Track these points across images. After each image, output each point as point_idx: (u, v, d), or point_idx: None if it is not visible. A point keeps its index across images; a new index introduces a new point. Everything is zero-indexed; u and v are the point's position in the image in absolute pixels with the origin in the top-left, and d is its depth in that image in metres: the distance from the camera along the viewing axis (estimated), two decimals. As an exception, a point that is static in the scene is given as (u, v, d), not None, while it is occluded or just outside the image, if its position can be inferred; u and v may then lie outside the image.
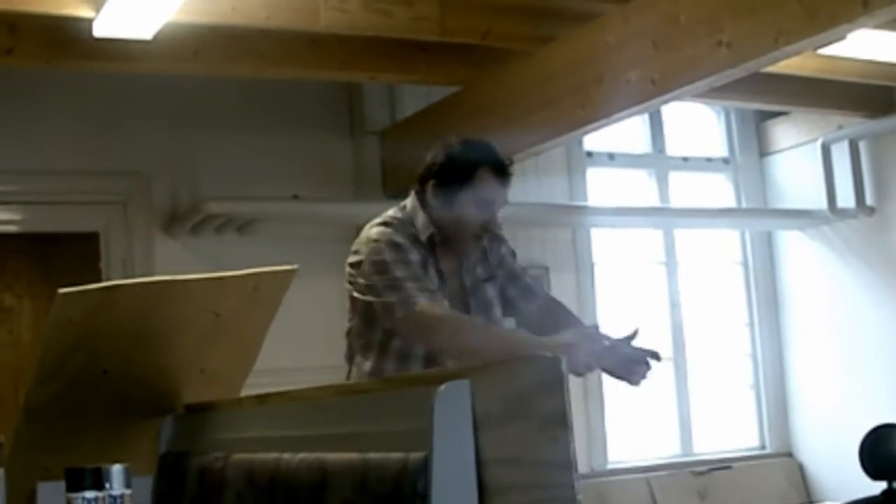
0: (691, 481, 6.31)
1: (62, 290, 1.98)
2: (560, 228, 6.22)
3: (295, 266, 2.25)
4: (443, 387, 1.36)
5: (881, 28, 4.42)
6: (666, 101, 4.52)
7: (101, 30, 4.02)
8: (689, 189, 6.74)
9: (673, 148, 6.75)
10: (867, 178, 6.26)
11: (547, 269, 6.14)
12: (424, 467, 1.36)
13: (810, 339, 6.59)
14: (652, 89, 4.23)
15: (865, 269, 6.28)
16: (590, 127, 4.73)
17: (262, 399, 2.02)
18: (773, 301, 6.77)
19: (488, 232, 3.00)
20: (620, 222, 6.38)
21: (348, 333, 3.01)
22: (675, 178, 6.72)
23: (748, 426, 6.75)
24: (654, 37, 4.19)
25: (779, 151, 6.75)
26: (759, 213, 6.76)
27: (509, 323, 3.18)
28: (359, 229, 3.11)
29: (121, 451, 2.01)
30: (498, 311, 3.06)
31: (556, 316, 3.10)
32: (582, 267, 6.30)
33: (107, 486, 1.61)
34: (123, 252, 5.30)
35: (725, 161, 6.89)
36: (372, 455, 1.50)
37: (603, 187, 6.47)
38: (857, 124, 6.18)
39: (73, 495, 1.60)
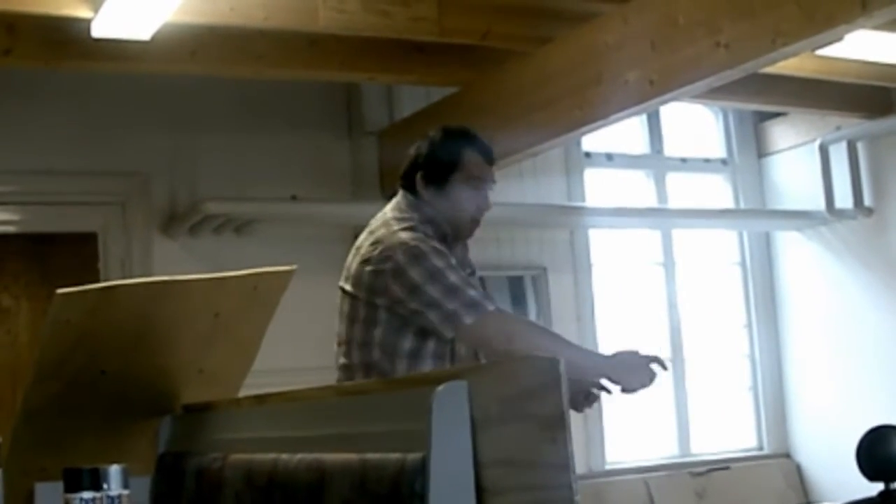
0: (689, 482, 6.31)
1: (60, 291, 1.98)
2: (558, 229, 6.22)
3: (293, 266, 2.25)
4: (441, 387, 1.37)
5: (879, 29, 4.42)
6: (664, 102, 4.52)
7: (99, 30, 4.02)
8: (688, 190, 6.74)
9: (671, 149, 6.75)
10: (865, 179, 6.26)
11: (545, 269, 6.15)
12: (422, 468, 1.36)
13: (808, 339, 6.59)
14: (650, 90, 4.23)
15: (863, 270, 6.29)
16: (588, 127, 4.73)
17: (260, 399, 2.02)
18: (770, 302, 6.77)
19: (479, 222, 2.98)
20: (618, 223, 6.38)
21: (349, 341, 2.90)
22: (674, 178, 6.72)
23: (746, 427, 6.76)
24: (652, 37, 4.19)
25: (777, 152, 6.76)
26: (757, 213, 6.76)
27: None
28: (357, 230, 3.09)
29: (119, 452, 2.00)
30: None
31: None
32: (580, 267, 6.30)
33: (104, 486, 1.61)
34: (122, 252, 5.30)
35: (723, 162, 6.89)
36: (370, 455, 1.50)
37: (601, 188, 6.48)
38: (855, 125, 6.18)
39: (71, 496, 1.60)
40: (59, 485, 1.63)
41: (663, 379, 2.95)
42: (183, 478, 2.09)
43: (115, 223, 5.34)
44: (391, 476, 1.42)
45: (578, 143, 6.27)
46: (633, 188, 6.62)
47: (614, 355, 2.78)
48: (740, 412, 6.77)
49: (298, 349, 4.85)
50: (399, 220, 2.91)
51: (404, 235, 2.84)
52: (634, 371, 2.75)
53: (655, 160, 6.70)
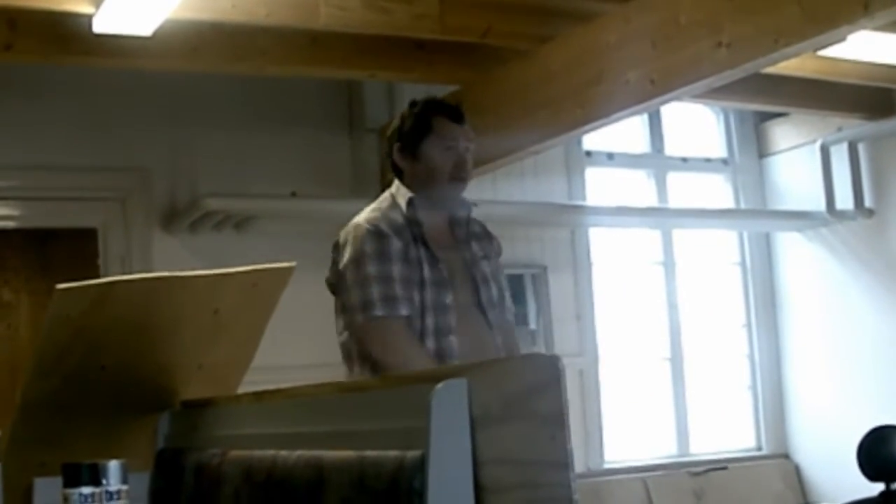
0: (688, 482, 6.31)
1: (60, 286, 1.98)
2: (558, 228, 6.22)
3: (293, 263, 2.25)
4: (440, 385, 1.36)
5: (881, 30, 4.42)
6: (665, 102, 4.53)
7: (100, 26, 4.02)
8: (688, 189, 6.74)
9: (672, 148, 6.75)
10: (866, 180, 6.26)
11: (545, 268, 6.15)
12: (421, 465, 1.36)
13: (808, 340, 6.59)
14: (651, 89, 4.23)
15: (863, 271, 6.29)
16: (589, 126, 4.73)
17: (259, 396, 2.02)
18: (770, 302, 6.77)
19: (463, 179, 3.05)
20: (619, 222, 6.38)
21: (338, 333, 3.02)
22: (674, 178, 6.73)
23: (745, 427, 6.76)
24: (653, 37, 4.19)
25: (778, 153, 6.76)
26: (758, 214, 6.76)
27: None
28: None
29: (118, 447, 2.00)
30: (494, 289, 3.09)
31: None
32: (580, 267, 6.30)
33: (103, 481, 1.61)
34: (122, 248, 5.30)
35: (724, 162, 6.89)
36: (369, 453, 1.50)
37: (601, 187, 6.48)
38: (856, 126, 6.18)
39: (70, 491, 1.60)
40: (58, 480, 1.63)
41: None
42: (182, 474, 2.09)
43: (115, 219, 5.35)
44: (390, 473, 1.42)
45: (579, 142, 6.27)
46: (634, 187, 6.62)
47: None
48: (739, 412, 6.77)
49: (298, 346, 4.85)
50: (372, 207, 3.04)
51: (358, 219, 2.99)
52: None
53: (656, 160, 6.70)
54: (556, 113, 4.70)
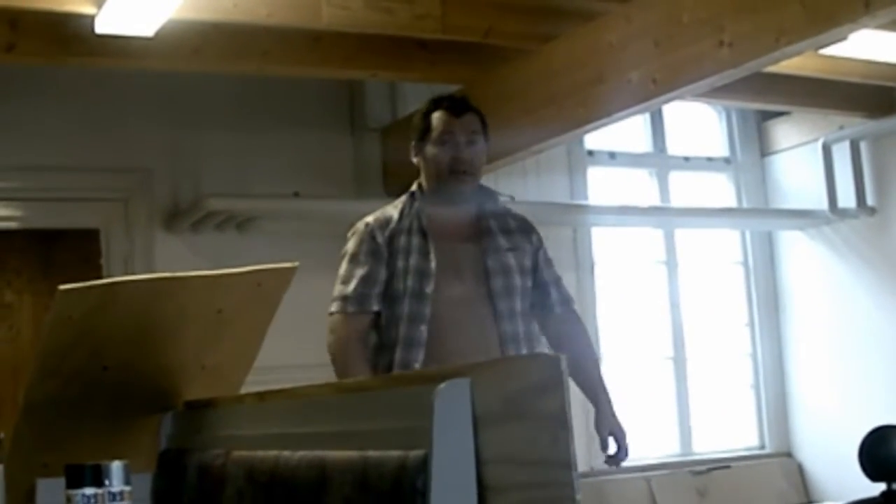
0: (690, 481, 6.31)
1: (62, 287, 1.98)
2: (560, 227, 6.21)
3: (296, 263, 2.25)
4: (443, 385, 1.36)
5: (883, 28, 4.42)
6: (667, 101, 4.52)
7: (102, 26, 4.02)
8: (690, 188, 6.74)
9: (674, 147, 6.75)
10: (868, 178, 6.26)
11: (547, 267, 6.14)
12: (424, 465, 1.36)
13: (810, 339, 6.59)
14: (653, 88, 4.23)
15: (866, 270, 6.28)
16: (591, 126, 4.73)
17: (262, 396, 2.02)
18: (773, 301, 6.77)
19: (463, 173, 3.13)
20: (621, 221, 6.38)
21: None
22: (676, 177, 6.72)
23: (747, 426, 6.76)
24: (655, 36, 4.19)
25: (780, 151, 6.75)
26: (760, 213, 6.76)
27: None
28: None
29: (120, 448, 2.00)
30: (518, 278, 3.17)
31: (564, 344, 3.24)
32: (582, 266, 6.30)
33: (106, 482, 1.61)
34: (124, 249, 5.30)
35: (726, 161, 6.89)
36: (372, 453, 1.50)
37: (604, 186, 6.47)
38: (858, 125, 6.18)
39: (73, 492, 1.60)
40: (61, 481, 1.63)
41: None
42: (185, 474, 2.09)
43: (117, 219, 5.35)
44: (393, 473, 1.42)
45: (581, 142, 6.27)
46: (636, 187, 6.61)
47: None
48: (742, 411, 6.76)
49: (301, 346, 4.84)
50: (393, 204, 3.23)
51: (366, 218, 3.19)
52: None
53: (658, 159, 6.69)
54: (558, 112, 4.69)
